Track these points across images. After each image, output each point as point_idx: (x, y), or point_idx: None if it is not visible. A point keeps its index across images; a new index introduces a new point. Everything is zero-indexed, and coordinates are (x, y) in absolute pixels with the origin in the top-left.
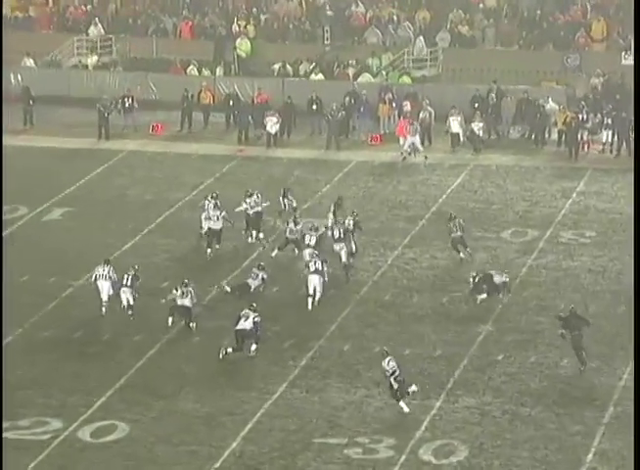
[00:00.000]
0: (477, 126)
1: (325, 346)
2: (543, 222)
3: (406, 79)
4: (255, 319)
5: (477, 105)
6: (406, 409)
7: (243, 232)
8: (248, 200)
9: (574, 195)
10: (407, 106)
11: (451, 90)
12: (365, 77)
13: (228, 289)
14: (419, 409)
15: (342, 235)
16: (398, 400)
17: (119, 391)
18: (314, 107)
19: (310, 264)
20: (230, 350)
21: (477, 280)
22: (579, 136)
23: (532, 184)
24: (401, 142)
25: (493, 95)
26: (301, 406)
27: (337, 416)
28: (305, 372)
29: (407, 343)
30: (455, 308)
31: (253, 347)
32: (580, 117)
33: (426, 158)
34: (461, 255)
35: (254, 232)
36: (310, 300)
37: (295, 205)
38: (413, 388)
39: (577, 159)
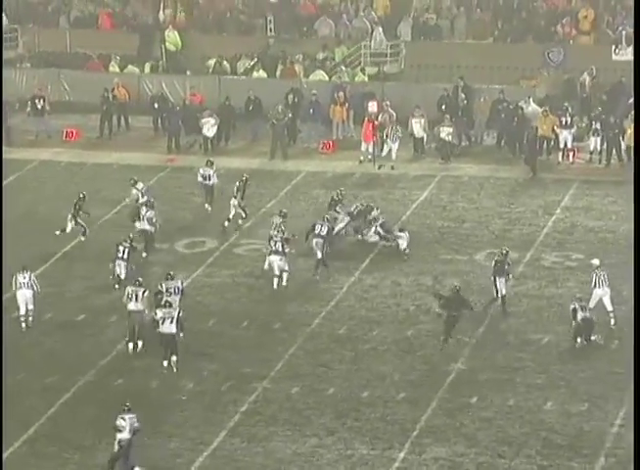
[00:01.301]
0: (445, 131)
1: (270, 388)
2: (523, 243)
3: (363, 77)
4: (180, 314)
5: (444, 106)
6: None
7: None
8: (138, 185)
9: (559, 211)
10: (373, 107)
11: (415, 89)
12: (315, 75)
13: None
14: (379, 461)
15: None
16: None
17: (28, 442)
18: (255, 109)
19: (271, 244)
20: (173, 359)
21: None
22: (563, 143)
23: (510, 199)
24: (363, 147)
25: (463, 95)
26: (242, 459)
27: None
28: (247, 419)
29: (366, 384)
30: (421, 343)
31: (174, 358)
32: (564, 120)
33: (392, 168)
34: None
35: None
36: (276, 280)
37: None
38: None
39: (535, 175)
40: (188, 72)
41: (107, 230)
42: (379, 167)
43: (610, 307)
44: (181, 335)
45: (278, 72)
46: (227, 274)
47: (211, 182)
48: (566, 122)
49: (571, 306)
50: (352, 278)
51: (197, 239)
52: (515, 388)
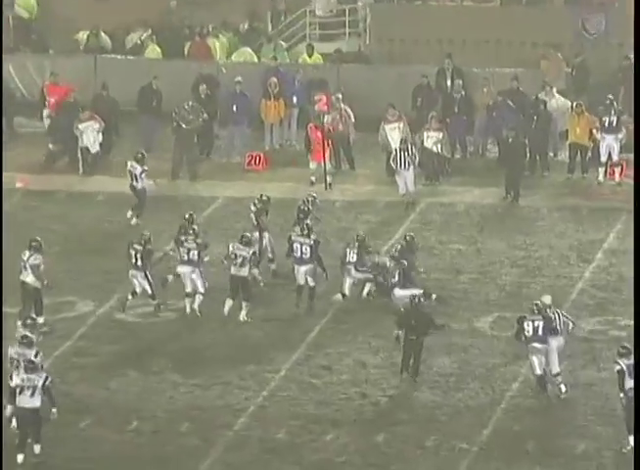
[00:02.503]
0: (432, 138)
1: None
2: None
3: (310, 57)
4: (47, 383)
5: (420, 101)
6: None
7: None
8: None
9: (600, 255)
10: (321, 103)
11: (386, 76)
12: (239, 55)
13: None
14: None
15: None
16: None
17: None
18: (153, 103)
19: (181, 251)
20: (36, 449)
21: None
22: (606, 155)
23: (529, 237)
24: (312, 166)
25: (460, 82)
26: None
27: None
28: None
29: None
30: (398, 453)
31: (37, 448)
32: (606, 120)
33: (411, 204)
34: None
35: None
36: (188, 301)
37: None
38: None
39: (516, 200)
40: (51, 51)
41: None
42: (406, 207)
43: (556, 368)
44: (54, 411)
45: (185, 51)
46: (107, 351)
47: (140, 185)
48: (610, 124)
49: (617, 367)
50: (295, 355)
51: (62, 299)
52: None
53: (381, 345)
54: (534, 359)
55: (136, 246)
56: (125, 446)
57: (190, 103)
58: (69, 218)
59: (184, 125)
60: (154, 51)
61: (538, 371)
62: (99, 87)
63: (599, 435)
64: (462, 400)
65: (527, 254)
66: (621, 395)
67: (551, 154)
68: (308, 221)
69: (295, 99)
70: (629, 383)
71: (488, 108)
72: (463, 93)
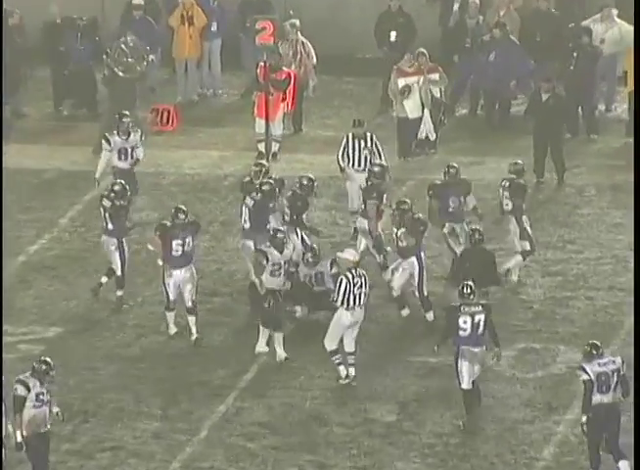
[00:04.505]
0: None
1: None
2: (594, 327)
3: None
4: None
5: (394, 35)
6: None
7: None
8: None
9: None
10: (265, 33)
11: None
12: None
13: None
14: None
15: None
16: None
17: None
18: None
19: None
20: None
21: None
22: None
23: (566, 230)
24: (257, 128)
25: (477, 2)
26: None
27: None
28: None
29: None
30: None
31: None
32: None
33: (385, 253)
34: None
35: None
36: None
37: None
38: None
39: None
40: None
41: None
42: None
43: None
44: None
45: None
46: None
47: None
48: None
49: (583, 376)
50: (221, 406)
51: None
52: None
53: (349, 394)
54: (467, 368)
55: (105, 202)
56: None
57: (129, 40)
58: None
59: (121, 73)
60: None
61: (466, 385)
62: None
63: None
64: None
65: (566, 256)
66: (584, 418)
67: (602, 107)
68: (314, 245)
69: (214, 25)
70: (597, 398)
71: (482, 45)
72: (480, 18)
